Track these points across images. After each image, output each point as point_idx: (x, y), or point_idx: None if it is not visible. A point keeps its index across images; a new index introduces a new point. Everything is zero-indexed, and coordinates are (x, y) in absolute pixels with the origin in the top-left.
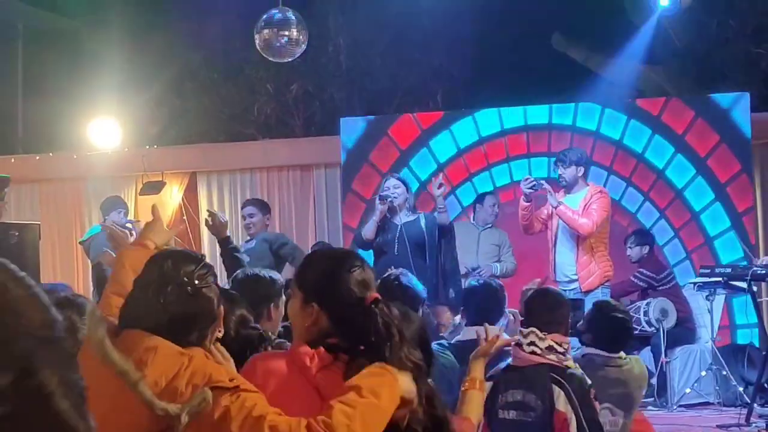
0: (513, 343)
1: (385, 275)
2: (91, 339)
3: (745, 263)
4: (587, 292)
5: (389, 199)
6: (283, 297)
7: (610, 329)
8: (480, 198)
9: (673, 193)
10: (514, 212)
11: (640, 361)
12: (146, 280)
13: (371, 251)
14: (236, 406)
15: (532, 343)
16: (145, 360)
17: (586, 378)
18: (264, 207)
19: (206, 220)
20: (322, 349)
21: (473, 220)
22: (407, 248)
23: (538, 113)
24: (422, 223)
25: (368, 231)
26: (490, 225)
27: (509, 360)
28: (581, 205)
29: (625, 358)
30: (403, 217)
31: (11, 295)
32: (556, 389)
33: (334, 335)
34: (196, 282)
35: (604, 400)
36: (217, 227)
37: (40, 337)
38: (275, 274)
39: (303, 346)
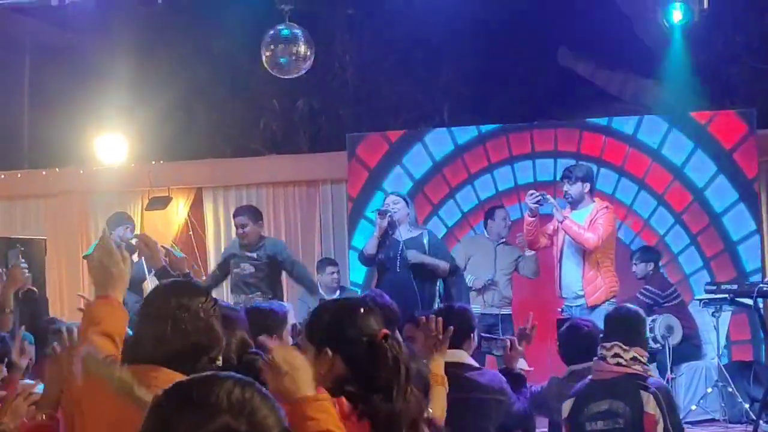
0: (596, 358)
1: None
2: (111, 376)
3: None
4: (593, 308)
5: (388, 214)
6: (288, 326)
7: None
8: (490, 213)
9: (691, 195)
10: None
11: None
12: (158, 313)
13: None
14: None
15: (616, 355)
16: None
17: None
18: (256, 214)
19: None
20: (344, 399)
21: (487, 234)
22: (408, 265)
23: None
24: (425, 239)
25: (370, 246)
26: (504, 239)
27: (589, 376)
28: (587, 220)
29: None
30: (404, 233)
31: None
32: (645, 394)
33: (350, 381)
34: (210, 312)
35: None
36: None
37: None
38: (276, 305)
39: (323, 390)
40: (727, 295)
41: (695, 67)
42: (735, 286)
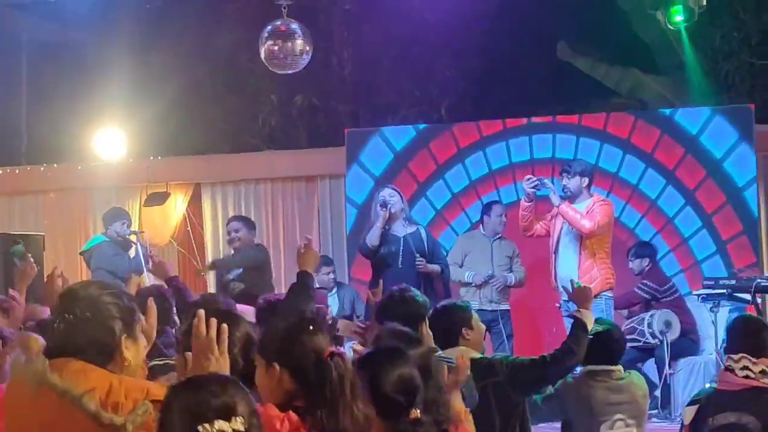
0: (722, 368)
1: (389, 291)
2: (27, 370)
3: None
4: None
5: (389, 205)
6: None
7: (600, 345)
8: (487, 208)
9: (665, 219)
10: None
11: (638, 374)
12: (65, 310)
13: (375, 263)
14: None
15: (745, 368)
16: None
17: None
18: (250, 223)
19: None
20: (291, 413)
21: (483, 230)
22: (412, 261)
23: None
24: (423, 234)
25: (374, 238)
26: (499, 235)
27: (713, 384)
28: (584, 210)
29: (623, 371)
30: (401, 229)
31: None
32: None
33: (298, 396)
34: (102, 309)
35: (614, 411)
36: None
37: None
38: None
39: (272, 407)
40: (725, 290)
41: (693, 62)
42: (733, 282)
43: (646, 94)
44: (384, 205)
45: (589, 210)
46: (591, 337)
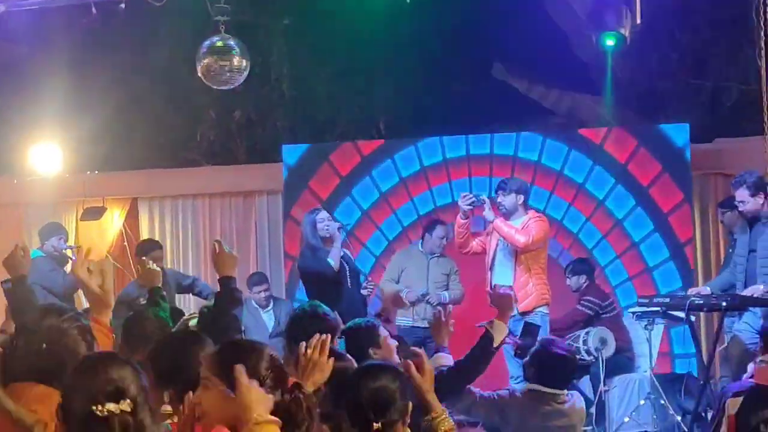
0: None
1: (299, 308)
2: None
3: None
4: (524, 314)
5: (340, 228)
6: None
7: (553, 367)
8: (431, 227)
9: (612, 221)
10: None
11: (579, 396)
12: (28, 341)
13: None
14: None
15: None
16: (34, 408)
17: None
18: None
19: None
20: None
21: (421, 247)
22: (355, 280)
23: (479, 142)
24: (350, 255)
25: (337, 261)
26: (437, 255)
27: (750, 378)
28: (520, 226)
29: (567, 394)
30: (339, 253)
31: None
32: None
33: None
34: (59, 334)
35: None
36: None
37: None
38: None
39: (223, 429)
40: (659, 308)
41: (630, 82)
42: (667, 299)
43: (583, 114)
44: (341, 228)
45: (524, 225)
46: (545, 357)
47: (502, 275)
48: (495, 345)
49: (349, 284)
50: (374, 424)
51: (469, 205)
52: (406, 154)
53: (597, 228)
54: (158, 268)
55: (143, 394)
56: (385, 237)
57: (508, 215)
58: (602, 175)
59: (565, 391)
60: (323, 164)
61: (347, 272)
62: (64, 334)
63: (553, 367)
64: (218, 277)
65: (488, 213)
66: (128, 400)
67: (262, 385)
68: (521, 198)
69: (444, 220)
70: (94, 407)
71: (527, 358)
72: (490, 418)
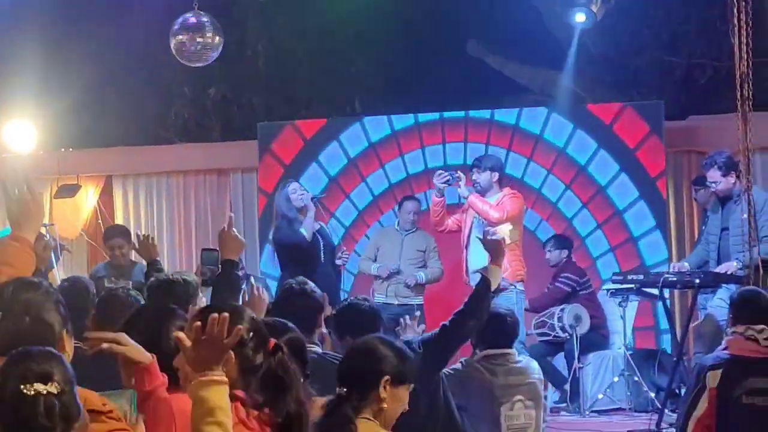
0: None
1: (287, 284)
2: None
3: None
4: (498, 291)
5: (313, 199)
6: (200, 295)
7: (495, 328)
8: (401, 203)
9: (595, 188)
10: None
11: (529, 357)
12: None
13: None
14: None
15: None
16: None
17: None
18: (128, 234)
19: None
20: (238, 404)
21: (396, 225)
22: (327, 255)
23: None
24: (327, 230)
25: (310, 232)
26: (413, 230)
27: (725, 350)
28: (495, 203)
29: (517, 354)
30: (311, 223)
31: None
32: None
33: (239, 386)
34: (33, 309)
35: (513, 393)
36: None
37: None
38: (189, 276)
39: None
40: (633, 285)
41: (604, 58)
42: (641, 276)
43: (557, 91)
44: (313, 199)
45: (498, 202)
46: (493, 324)
47: (477, 252)
48: (492, 288)
49: (322, 258)
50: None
51: (444, 182)
52: (377, 122)
53: (578, 196)
54: (155, 244)
55: (70, 383)
56: (355, 207)
57: (483, 192)
58: (584, 140)
59: (515, 350)
60: (287, 127)
61: (321, 245)
62: (36, 306)
63: (495, 329)
64: (222, 260)
65: (463, 189)
66: (56, 383)
67: (243, 347)
68: (495, 175)
69: (415, 194)
70: (22, 386)
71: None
72: (455, 396)
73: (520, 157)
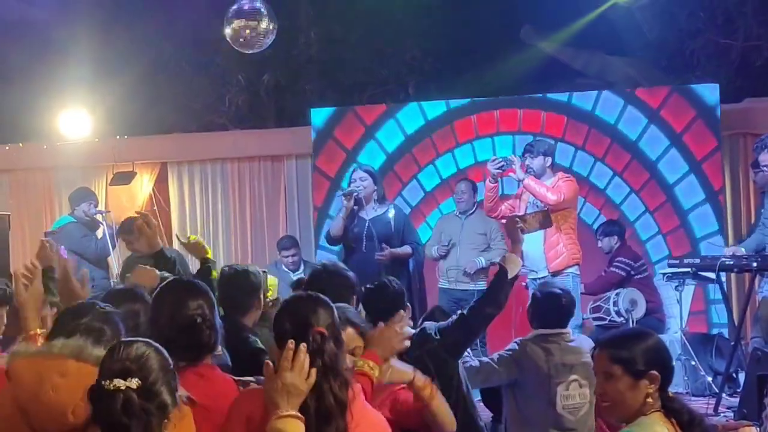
0: None
1: (319, 265)
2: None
3: (717, 252)
4: (555, 274)
5: (354, 194)
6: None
7: (551, 307)
8: (455, 187)
9: (648, 173)
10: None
11: (585, 337)
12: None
13: (341, 247)
14: None
15: None
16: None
17: None
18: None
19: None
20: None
21: (456, 211)
22: (375, 244)
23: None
24: (390, 215)
25: (335, 228)
26: (472, 212)
27: None
28: (551, 185)
29: (572, 333)
30: (370, 211)
31: None
32: None
33: None
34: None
35: (569, 372)
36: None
37: None
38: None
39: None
40: (689, 269)
41: (659, 42)
42: (697, 260)
43: (613, 76)
44: (349, 194)
45: (554, 185)
46: (540, 299)
47: (532, 236)
48: (510, 276)
49: (363, 248)
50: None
51: (498, 168)
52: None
53: (628, 182)
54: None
55: (156, 380)
56: (407, 203)
57: (536, 178)
58: (635, 120)
59: (570, 330)
60: (348, 114)
61: (363, 236)
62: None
63: (551, 308)
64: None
65: (519, 173)
66: (136, 379)
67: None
68: (549, 160)
69: (468, 177)
70: (103, 382)
71: (533, 305)
72: (511, 375)
73: (569, 147)
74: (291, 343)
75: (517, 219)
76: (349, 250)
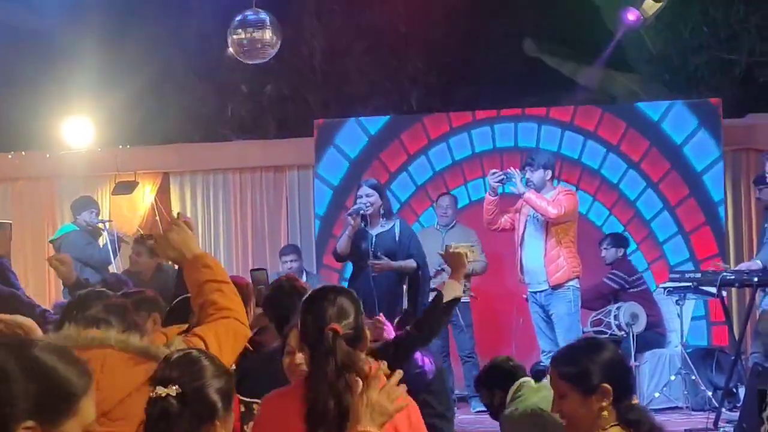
0: None
1: (277, 280)
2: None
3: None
4: (555, 287)
5: (361, 212)
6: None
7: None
8: (436, 200)
9: (633, 211)
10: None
11: None
12: None
13: (350, 264)
14: None
15: None
16: None
17: None
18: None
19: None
20: None
21: (435, 224)
22: (380, 259)
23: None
24: (396, 230)
25: (342, 246)
26: (452, 226)
27: None
28: (551, 199)
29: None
30: (377, 227)
31: None
32: None
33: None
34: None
35: None
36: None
37: None
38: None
39: None
40: (690, 284)
41: (662, 57)
42: (699, 275)
43: (616, 90)
44: (355, 214)
45: (554, 199)
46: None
47: (532, 249)
48: (445, 300)
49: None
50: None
51: (498, 181)
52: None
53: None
54: None
55: (209, 384)
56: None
57: (537, 191)
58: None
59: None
60: (348, 122)
61: (369, 251)
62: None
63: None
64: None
65: (520, 186)
66: (177, 386)
67: None
68: (549, 173)
69: (450, 190)
70: (151, 390)
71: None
72: None
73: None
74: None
75: (450, 247)
76: (356, 267)
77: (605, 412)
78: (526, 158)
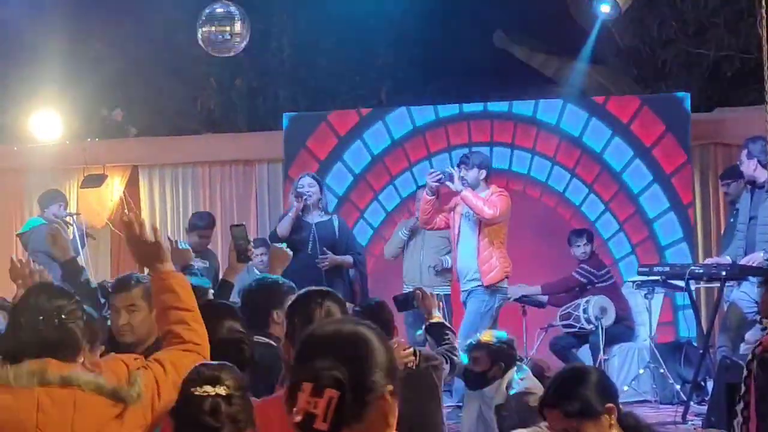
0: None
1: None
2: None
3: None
4: (489, 287)
5: (304, 197)
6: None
7: None
8: (417, 193)
9: (617, 185)
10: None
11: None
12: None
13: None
14: None
15: None
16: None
17: None
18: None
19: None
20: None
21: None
22: (318, 248)
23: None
24: (335, 225)
25: (283, 228)
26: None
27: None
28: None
29: None
30: (315, 217)
31: None
32: None
33: None
34: (63, 316)
35: None
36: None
37: None
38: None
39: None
40: (659, 277)
41: (631, 50)
42: (667, 269)
43: (584, 83)
44: (299, 195)
45: (488, 199)
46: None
47: (466, 250)
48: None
49: (309, 250)
50: None
51: (437, 181)
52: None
53: (601, 197)
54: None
55: (242, 389)
56: (384, 209)
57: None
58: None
59: None
60: (321, 125)
61: (309, 239)
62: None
63: None
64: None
65: (457, 184)
66: (225, 387)
67: None
68: (483, 173)
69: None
70: (192, 388)
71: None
72: None
73: (545, 160)
74: None
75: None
76: (294, 251)
77: (613, 429)
78: (461, 157)
